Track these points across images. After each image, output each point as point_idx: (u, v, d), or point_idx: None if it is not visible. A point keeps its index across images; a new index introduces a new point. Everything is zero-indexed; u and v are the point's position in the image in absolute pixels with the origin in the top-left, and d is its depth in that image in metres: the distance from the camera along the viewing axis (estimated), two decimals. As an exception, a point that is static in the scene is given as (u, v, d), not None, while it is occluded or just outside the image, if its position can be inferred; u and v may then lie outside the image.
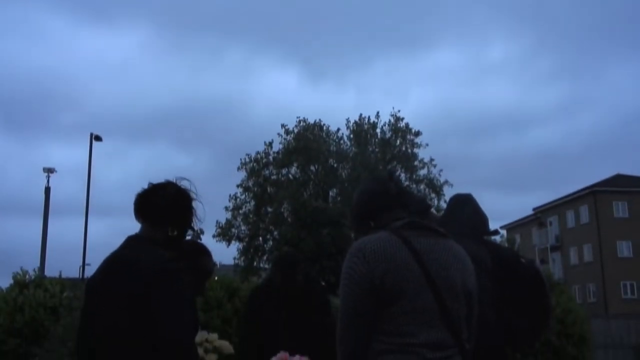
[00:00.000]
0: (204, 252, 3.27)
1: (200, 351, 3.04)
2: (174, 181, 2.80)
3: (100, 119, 73.91)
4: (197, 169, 64.66)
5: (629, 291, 43.80)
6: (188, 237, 2.91)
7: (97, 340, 2.56)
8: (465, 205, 3.13)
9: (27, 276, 18.58)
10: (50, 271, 23.60)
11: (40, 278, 18.84)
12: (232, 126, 73.45)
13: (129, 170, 78.02)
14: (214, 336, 3.23)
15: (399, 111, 43.97)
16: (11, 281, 18.54)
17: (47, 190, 30.33)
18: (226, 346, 3.22)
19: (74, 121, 75.53)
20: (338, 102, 71.23)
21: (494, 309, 2.92)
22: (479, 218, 3.11)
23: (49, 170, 30.62)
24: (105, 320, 2.52)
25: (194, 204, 2.80)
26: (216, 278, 19.24)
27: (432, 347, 2.28)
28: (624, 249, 44.54)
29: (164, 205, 2.68)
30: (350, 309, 2.33)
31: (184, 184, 2.80)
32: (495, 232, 3.12)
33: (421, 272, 2.33)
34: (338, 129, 43.26)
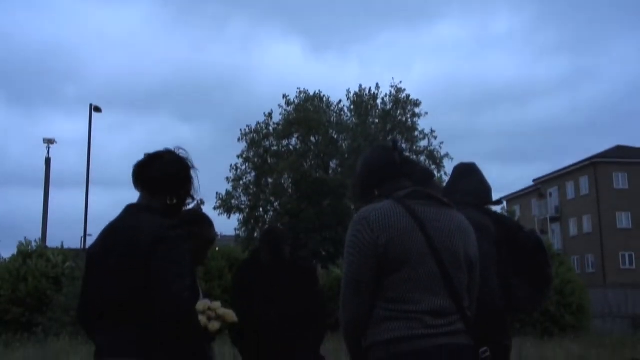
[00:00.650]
0: (206, 220, 3.28)
1: (204, 319, 3.05)
2: (172, 150, 2.81)
3: (103, 91, 73.82)
4: (199, 141, 64.71)
5: (627, 262, 44.00)
6: (190, 206, 2.93)
7: (98, 307, 2.59)
8: (469, 174, 3.13)
9: (30, 247, 18.76)
10: (52, 242, 23.73)
11: (43, 248, 19.02)
12: (234, 98, 73.35)
13: (131, 142, 78.09)
14: (217, 304, 3.23)
15: (400, 82, 43.77)
16: (14, 252, 18.69)
17: (48, 161, 30.33)
18: (230, 314, 3.23)
19: (76, 94, 75.55)
20: (341, 74, 71.05)
21: (498, 276, 2.94)
22: (483, 187, 3.11)
23: (49, 141, 30.59)
24: (105, 287, 2.55)
25: (192, 172, 2.81)
26: (217, 249, 19.38)
27: (434, 314, 2.31)
28: (624, 219, 44.65)
29: (162, 173, 2.69)
30: (354, 277, 2.35)
31: (181, 152, 2.81)
32: (499, 202, 3.13)
33: (424, 240, 2.35)
34: (340, 101, 43.09)
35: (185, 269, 2.47)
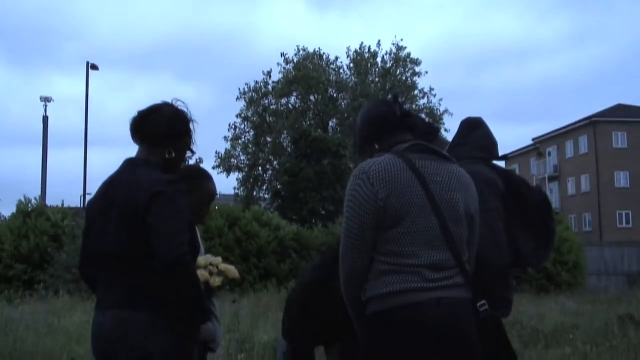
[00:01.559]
0: (206, 175, 3.28)
1: (205, 273, 3.07)
2: (171, 102, 2.78)
3: (104, 50, 73.03)
4: (200, 99, 64.24)
5: (624, 220, 44.23)
6: (190, 161, 2.91)
7: (98, 260, 2.61)
8: (476, 128, 3.11)
9: (29, 205, 18.82)
10: (52, 201, 23.81)
11: (42, 207, 19.08)
12: (237, 57, 72.64)
13: (131, 101, 77.54)
14: (218, 259, 3.23)
15: (401, 40, 43.38)
16: (14, 210, 18.75)
17: (45, 119, 30.22)
18: (231, 270, 3.22)
19: (76, 52, 74.79)
20: (343, 33, 70.30)
21: (505, 230, 2.95)
22: (490, 141, 3.10)
23: (46, 99, 30.44)
24: (105, 241, 2.56)
25: (191, 125, 2.78)
26: (217, 207, 19.42)
27: (433, 267, 2.32)
28: (622, 178, 44.71)
29: (160, 126, 2.66)
30: (353, 230, 2.36)
31: (180, 105, 2.78)
32: (505, 157, 3.12)
33: (424, 194, 2.35)
34: (337, 58, 42.70)
35: (183, 223, 2.47)
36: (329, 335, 4.07)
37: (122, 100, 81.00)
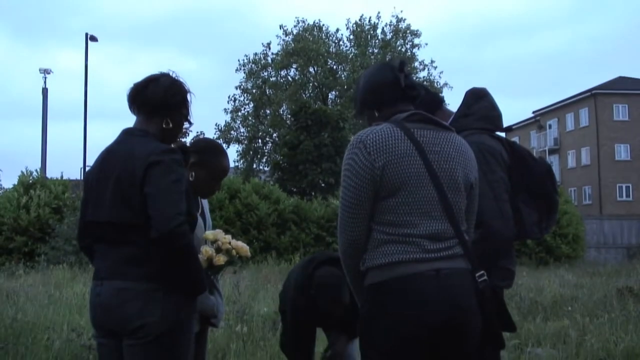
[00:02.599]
0: (220, 149, 3.25)
1: (209, 250, 3.02)
2: (168, 73, 2.76)
3: (106, 24, 72.50)
4: (200, 72, 63.86)
5: (624, 193, 44.24)
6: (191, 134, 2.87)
7: (96, 230, 2.61)
8: (481, 99, 3.08)
9: (30, 177, 18.82)
10: (52, 173, 23.77)
11: (44, 179, 19.08)
12: (238, 30, 72.06)
13: (135, 75, 76.91)
14: (228, 237, 3.13)
15: (401, 11, 43.02)
16: (15, 182, 18.76)
17: (45, 91, 30.13)
18: (244, 248, 3.13)
19: (80, 26, 74.35)
20: (344, 5, 69.62)
21: (510, 201, 2.94)
22: (495, 113, 3.07)
23: (46, 71, 30.35)
24: (103, 211, 2.55)
25: (188, 96, 2.77)
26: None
27: (432, 238, 2.31)
28: (622, 151, 44.61)
29: (158, 96, 2.65)
30: (351, 200, 2.34)
31: (176, 76, 2.76)
32: (509, 129, 3.09)
33: (422, 164, 2.33)
34: (336, 30, 42.41)
35: (180, 193, 2.46)
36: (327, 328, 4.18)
37: (124, 74, 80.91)
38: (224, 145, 35.30)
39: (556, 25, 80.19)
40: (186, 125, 2.82)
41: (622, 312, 7.81)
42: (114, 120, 54.76)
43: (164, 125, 2.67)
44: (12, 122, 76.01)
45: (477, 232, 2.64)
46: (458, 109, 3.09)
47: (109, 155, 2.63)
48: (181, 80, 2.76)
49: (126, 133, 2.67)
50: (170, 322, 2.50)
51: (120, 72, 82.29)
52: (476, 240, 2.59)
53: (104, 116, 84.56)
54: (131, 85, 2.72)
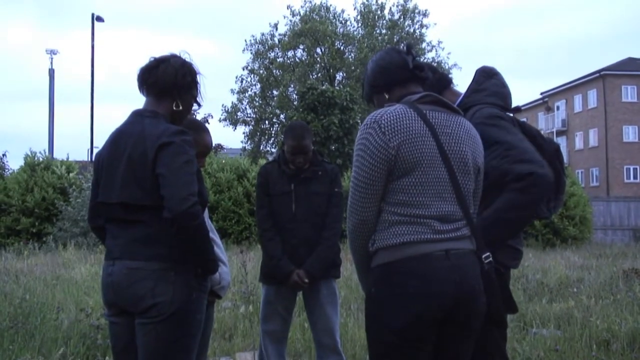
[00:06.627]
0: (202, 127, 3.28)
1: None
2: (177, 54, 2.76)
3: (116, 4, 72.22)
4: (210, 57, 63.59)
5: (631, 175, 44.06)
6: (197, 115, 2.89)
7: (108, 210, 2.63)
8: (492, 77, 3.06)
9: (36, 158, 18.89)
10: (60, 155, 23.87)
11: (49, 160, 19.14)
12: (246, 12, 71.66)
13: (146, 58, 77.12)
14: None
15: (408, -9, 42.55)
16: (22, 164, 18.85)
17: (51, 72, 30.15)
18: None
19: (91, 9, 74.15)
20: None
21: None
22: (505, 91, 3.06)
23: (52, 52, 30.38)
24: (114, 191, 2.57)
25: (198, 77, 2.77)
26: (223, 161, 19.42)
27: (442, 219, 2.33)
28: (630, 133, 44.37)
29: (168, 77, 2.65)
30: (364, 179, 2.35)
31: (186, 57, 2.77)
32: (518, 109, 3.07)
33: (435, 145, 2.34)
34: (343, 10, 42.13)
35: (191, 174, 2.48)
36: None
37: (135, 57, 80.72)
38: (231, 127, 35.03)
39: (565, 7, 79.42)
40: (195, 106, 2.83)
41: (628, 294, 7.81)
42: (127, 102, 55.19)
43: (174, 107, 2.68)
44: (22, 103, 76.12)
45: (523, 182, 2.53)
46: (469, 86, 3.08)
47: (119, 136, 2.64)
48: (191, 61, 2.76)
49: (136, 114, 2.68)
50: (181, 302, 2.53)
51: (131, 55, 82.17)
52: (523, 187, 2.51)
53: (114, 98, 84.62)
54: (141, 66, 2.72)
